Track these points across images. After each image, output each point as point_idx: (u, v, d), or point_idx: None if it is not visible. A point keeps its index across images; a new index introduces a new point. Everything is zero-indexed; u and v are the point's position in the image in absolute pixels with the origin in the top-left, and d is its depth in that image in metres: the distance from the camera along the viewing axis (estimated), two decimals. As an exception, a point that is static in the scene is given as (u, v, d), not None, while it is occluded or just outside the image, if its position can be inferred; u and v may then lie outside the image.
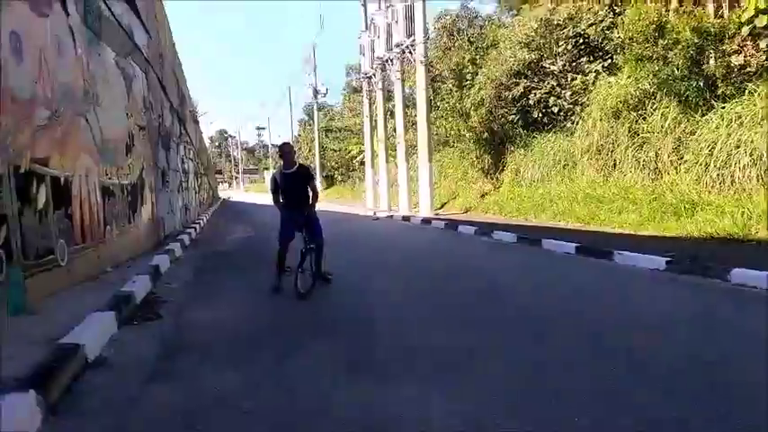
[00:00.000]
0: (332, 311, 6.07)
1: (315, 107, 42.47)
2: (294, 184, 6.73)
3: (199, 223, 19.04)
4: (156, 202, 11.71)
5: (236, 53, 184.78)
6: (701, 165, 11.44)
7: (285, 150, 6.80)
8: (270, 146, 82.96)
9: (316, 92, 40.80)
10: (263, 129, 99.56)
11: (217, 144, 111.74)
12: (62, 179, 6.54)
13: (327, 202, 34.73)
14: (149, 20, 11.49)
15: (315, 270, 6.79)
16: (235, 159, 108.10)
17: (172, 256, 9.96)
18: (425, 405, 3.34)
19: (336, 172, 45.85)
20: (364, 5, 26.54)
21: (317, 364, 4.23)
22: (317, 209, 6.98)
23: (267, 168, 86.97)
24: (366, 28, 25.77)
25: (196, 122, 31.14)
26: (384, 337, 4.89)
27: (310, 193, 6.81)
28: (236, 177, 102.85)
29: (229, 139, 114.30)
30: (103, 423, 3.26)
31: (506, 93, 18.45)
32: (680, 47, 11.85)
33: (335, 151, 44.55)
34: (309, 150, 47.71)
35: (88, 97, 7.51)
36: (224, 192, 74.29)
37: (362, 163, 32.94)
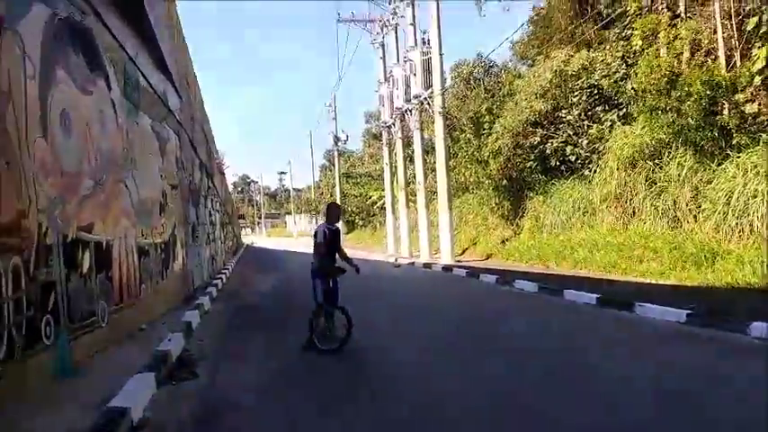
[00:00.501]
0: (365, 369, 6.28)
1: (336, 153, 43.32)
2: (334, 239, 7.33)
3: (225, 273, 19.42)
4: (187, 256, 12.12)
5: (258, 100, 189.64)
6: (719, 213, 11.56)
7: (335, 210, 7.64)
8: (291, 190, 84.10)
9: (336, 139, 41.70)
10: (285, 173, 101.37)
11: (239, 189, 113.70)
12: (104, 243, 6.94)
13: (349, 248, 35.07)
14: (181, 84, 12.16)
15: (348, 327, 6.90)
16: (257, 204, 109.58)
17: (201, 310, 10.26)
18: None
19: (357, 217, 46.38)
20: (383, 59, 27.42)
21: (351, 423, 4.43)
22: None
23: (289, 213, 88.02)
24: (385, 80, 26.55)
25: (222, 174, 31.98)
26: (410, 394, 5.10)
27: (341, 252, 7.46)
28: (259, 222, 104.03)
29: (251, 184, 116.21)
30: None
31: (524, 141, 18.82)
32: (693, 99, 12.11)
33: (356, 197, 45.17)
34: (330, 195, 48.42)
35: (127, 163, 8.00)
36: (246, 237, 75.10)
37: (383, 208, 33.41)
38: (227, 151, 75.94)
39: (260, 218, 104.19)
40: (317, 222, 61.25)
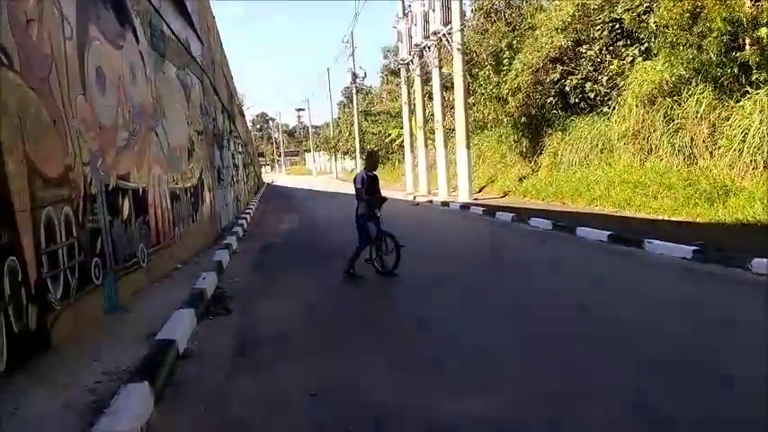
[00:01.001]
0: (395, 307, 6.81)
1: (354, 91, 43.14)
2: (372, 185, 8.08)
3: (249, 213, 20.05)
4: (214, 199, 12.65)
5: (275, 37, 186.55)
6: (734, 150, 11.66)
7: (374, 157, 8.43)
8: (310, 127, 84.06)
9: (354, 76, 41.47)
10: (303, 110, 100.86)
11: (258, 128, 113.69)
12: (140, 190, 7.43)
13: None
14: (202, 29, 12.33)
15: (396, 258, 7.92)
16: (276, 142, 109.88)
17: (230, 250, 10.85)
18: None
19: (376, 154, 46.54)
20: (402, -8, 26.87)
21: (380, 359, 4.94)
22: None
23: (308, 150, 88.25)
24: (404, 15, 26.14)
25: (242, 115, 32.20)
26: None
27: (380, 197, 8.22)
28: (278, 160, 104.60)
29: (270, 122, 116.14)
30: (202, 410, 4.01)
31: (544, 77, 18.73)
32: (714, 35, 11.98)
33: (374, 134, 45.20)
34: (349, 134, 48.51)
35: (157, 113, 8.38)
36: (267, 175, 75.93)
37: (401, 146, 33.52)
38: (246, 93, 75.49)
39: (279, 156, 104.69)
40: (335, 160, 61.63)
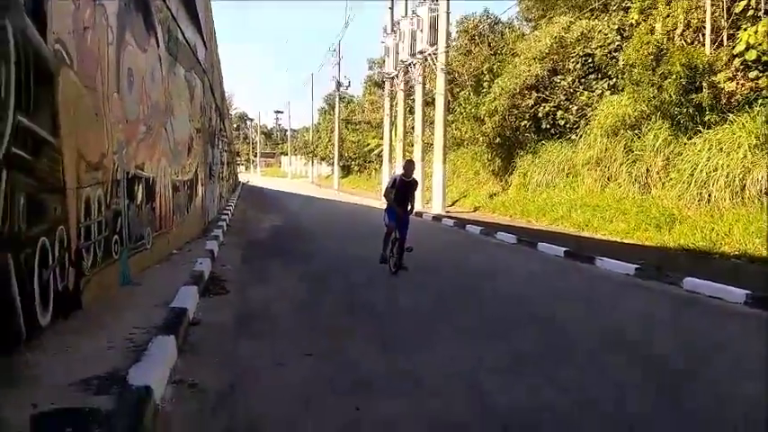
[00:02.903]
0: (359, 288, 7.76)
1: (337, 99, 44.08)
2: (406, 190, 8.95)
3: (230, 209, 20.77)
4: (205, 193, 13.44)
5: (258, 38, 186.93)
6: (683, 183, 12.93)
7: (410, 166, 9.17)
8: (289, 130, 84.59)
9: (339, 84, 42.42)
10: (281, 113, 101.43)
11: (236, 126, 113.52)
12: (151, 180, 8.25)
13: (345, 192, 36.40)
14: (206, 33, 13.17)
15: (397, 256, 8.82)
16: (253, 142, 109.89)
17: (218, 241, 11.67)
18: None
19: (353, 162, 47.52)
20: (391, 9, 28.00)
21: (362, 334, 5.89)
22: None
23: (284, 153, 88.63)
24: (392, 30, 27.24)
25: (229, 115, 32.86)
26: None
27: (412, 202, 9.13)
28: (253, 161, 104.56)
29: (248, 121, 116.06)
30: (215, 361, 4.87)
31: (520, 102, 19.98)
32: (673, 77, 13.28)
33: (354, 143, 46.18)
34: (329, 140, 49.36)
35: (168, 110, 9.21)
36: (241, 175, 76.06)
37: (379, 156, 34.61)
38: (234, 94, 76.14)
39: (255, 156, 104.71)
40: (312, 165, 62.35)
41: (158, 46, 8.50)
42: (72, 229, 5.36)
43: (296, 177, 71.93)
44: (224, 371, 4.57)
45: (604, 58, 17.26)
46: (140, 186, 7.71)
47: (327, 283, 8.46)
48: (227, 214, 18.44)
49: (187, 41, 10.69)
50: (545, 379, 4.51)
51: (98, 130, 5.97)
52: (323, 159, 56.44)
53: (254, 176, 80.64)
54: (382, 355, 5.10)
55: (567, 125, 18.63)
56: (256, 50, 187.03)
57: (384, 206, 9.33)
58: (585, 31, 18.21)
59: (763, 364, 5.02)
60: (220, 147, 20.38)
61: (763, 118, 11.85)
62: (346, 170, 48.57)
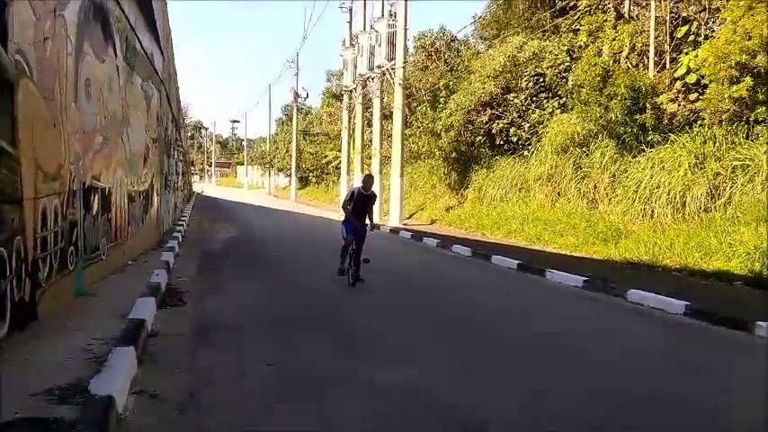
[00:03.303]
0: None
1: (295, 111, 44.03)
2: (364, 203, 9.08)
3: (184, 220, 20.54)
4: (160, 203, 13.31)
5: (215, 45, 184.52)
6: (628, 199, 13.54)
7: (369, 180, 9.32)
8: (245, 140, 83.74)
9: (296, 96, 42.46)
10: (238, 122, 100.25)
11: (190, 135, 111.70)
12: (107, 190, 8.19)
13: (302, 204, 36.34)
14: (164, 43, 13.11)
15: (355, 268, 8.97)
16: (207, 152, 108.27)
17: (173, 252, 11.58)
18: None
19: (311, 174, 47.44)
20: (350, 23, 28.36)
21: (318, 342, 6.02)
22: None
23: (240, 163, 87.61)
24: (350, 44, 27.57)
25: (185, 125, 32.45)
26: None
27: (370, 215, 9.29)
28: (208, 170, 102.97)
29: (202, 130, 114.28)
30: (175, 371, 4.92)
31: (475, 118, 20.49)
32: (619, 98, 13.93)
33: (311, 154, 46.14)
34: (286, 151, 49.17)
35: (124, 120, 9.17)
36: (195, 185, 74.82)
37: (337, 168, 34.75)
38: (190, 104, 74.97)
39: (210, 166, 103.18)
40: (269, 175, 61.92)
41: (116, 56, 8.48)
42: (29, 240, 5.32)
43: (252, 188, 71.13)
44: (183, 381, 4.64)
45: (555, 77, 17.92)
46: (96, 197, 7.65)
47: (284, 294, 8.57)
48: (183, 225, 18.27)
49: (144, 51, 10.65)
50: (487, 382, 4.77)
51: (56, 140, 5.95)
52: (280, 170, 56.12)
53: (208, 186, 79.27)
54: (343, 362, 5.28)
55: (520, 142, 19.21)
56: (212, 53, 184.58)
57: (342, 218, 9.50)
58: (537, 51, 18.88)
59: (699, 368, 5.40)
60: (176, 156, 20.17)
61: (702, 138, 12.56)
62: (304, 182, 48.45)
